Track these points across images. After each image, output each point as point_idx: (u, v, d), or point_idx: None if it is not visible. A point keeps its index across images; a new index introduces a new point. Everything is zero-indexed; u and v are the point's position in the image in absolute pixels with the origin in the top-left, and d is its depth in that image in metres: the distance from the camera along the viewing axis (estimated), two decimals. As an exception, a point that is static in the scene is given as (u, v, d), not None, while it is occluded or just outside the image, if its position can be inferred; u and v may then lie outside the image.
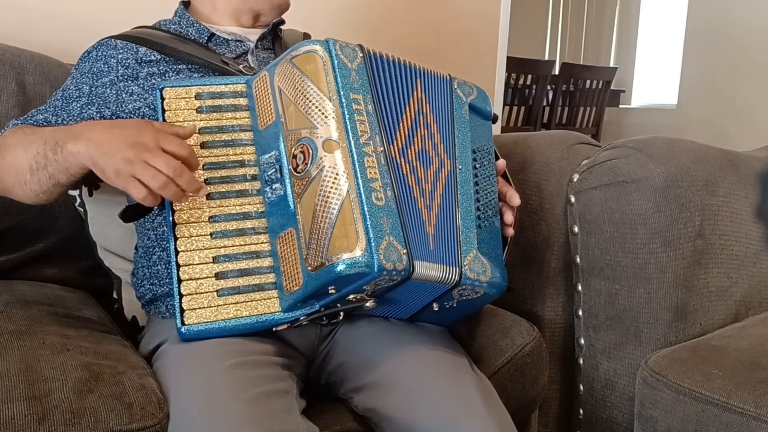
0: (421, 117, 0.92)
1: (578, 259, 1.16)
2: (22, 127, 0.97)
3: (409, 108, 0.91)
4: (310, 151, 0.82)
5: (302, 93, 0.85)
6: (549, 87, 4.28)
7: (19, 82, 1.17)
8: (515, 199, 0.98)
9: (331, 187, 0.80)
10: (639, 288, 1.10)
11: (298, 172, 0.83)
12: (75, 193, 1.15)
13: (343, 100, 0.84)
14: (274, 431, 0.74)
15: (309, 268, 0.80)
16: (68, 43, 1.40)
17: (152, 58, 1.00)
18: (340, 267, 0.77)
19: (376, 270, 0.78)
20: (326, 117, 0.83)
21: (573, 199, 1.15)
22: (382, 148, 0.85)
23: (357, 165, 0.81)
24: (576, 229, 1.16)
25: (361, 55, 0.89)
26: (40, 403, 0.72)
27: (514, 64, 3.88)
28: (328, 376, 0.96)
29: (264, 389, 0.78)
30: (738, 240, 1.19)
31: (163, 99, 0.91)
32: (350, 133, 0.83)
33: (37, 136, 0.88)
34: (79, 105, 0.99)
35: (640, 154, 1.10)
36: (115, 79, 0.99)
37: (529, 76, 4.16)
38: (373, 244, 0.78)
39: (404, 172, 0.87)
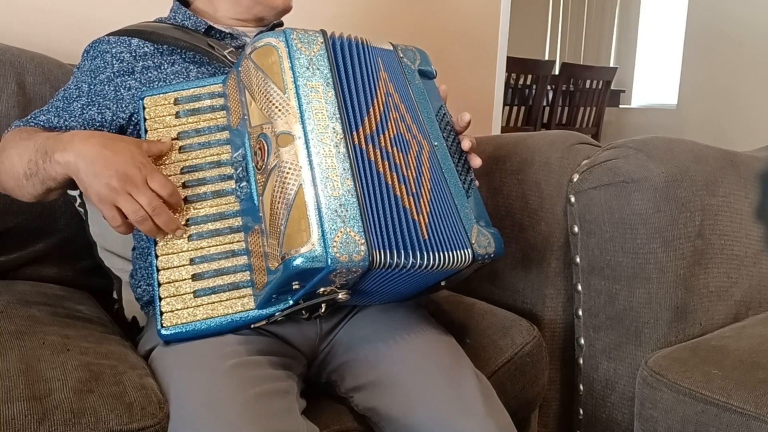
0: (390, 99, 0.90)
1: (578, 259, 1.16)
2: (21, 130, 0.97)
3: (379, 91, 0.88)
4: (266, 147, 0.81)
5: (261, 89, 0.84)
6: (549, 87, 4.27)
7: (19, 82, 1.17)
8: (462, 119, 0.95)
9: (285, 181, 0.78)
10: (639, 288, 1.10)
11: (259, 168, 0.83)
12: (75, 193, 1.15)
13: (300, 91, 0.82)
14: (274, 431, 0.74)
15: (270, 264, 0.80)
16: (68, 43, 1.40)
17: (146, 50, 1.01)
18: (297, 261, 0.75)
19: (329, 263, 0.75)
20: (281, 110, 0.81)
21: (573, 199, 1.15)
22: (341, 137, 0.82)
23: (312, 156, 0.79)
24: (576, 229, 1.16)
25: (321, 41, 0.86)
26: (40, 403, 0.72)
27: (514, 64, 3.88)
28: (328, 375, 0.96)
29: (264, 389, 0.78)
30: (738, 240, 1.19)
31: (144, 108, 0.93)
32: (306, 124, 0.81)
33: (30, 142, 0.90)
34: (79, 105, 1.00)
35: (640, 154, 1.10)
36: (112, 75, 1.00)
37: (529, 76, 4.15)
38: (327, 236, 0.76)
39: (372, 159, 0.83)
